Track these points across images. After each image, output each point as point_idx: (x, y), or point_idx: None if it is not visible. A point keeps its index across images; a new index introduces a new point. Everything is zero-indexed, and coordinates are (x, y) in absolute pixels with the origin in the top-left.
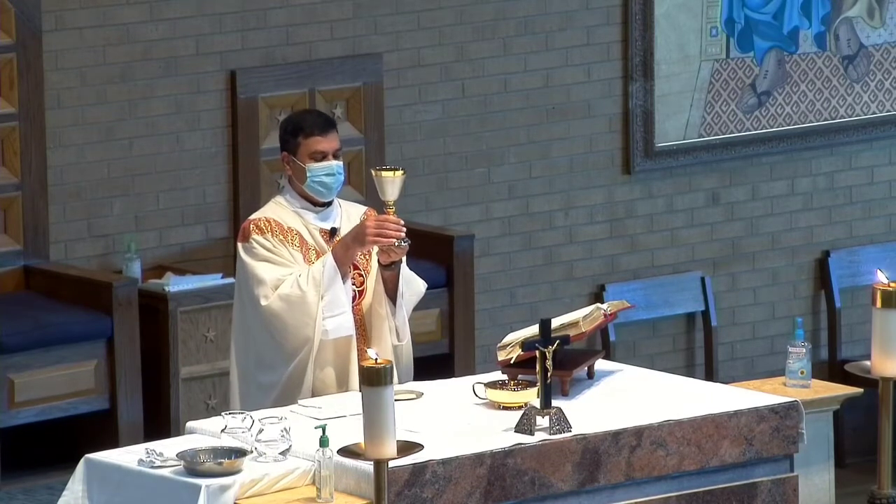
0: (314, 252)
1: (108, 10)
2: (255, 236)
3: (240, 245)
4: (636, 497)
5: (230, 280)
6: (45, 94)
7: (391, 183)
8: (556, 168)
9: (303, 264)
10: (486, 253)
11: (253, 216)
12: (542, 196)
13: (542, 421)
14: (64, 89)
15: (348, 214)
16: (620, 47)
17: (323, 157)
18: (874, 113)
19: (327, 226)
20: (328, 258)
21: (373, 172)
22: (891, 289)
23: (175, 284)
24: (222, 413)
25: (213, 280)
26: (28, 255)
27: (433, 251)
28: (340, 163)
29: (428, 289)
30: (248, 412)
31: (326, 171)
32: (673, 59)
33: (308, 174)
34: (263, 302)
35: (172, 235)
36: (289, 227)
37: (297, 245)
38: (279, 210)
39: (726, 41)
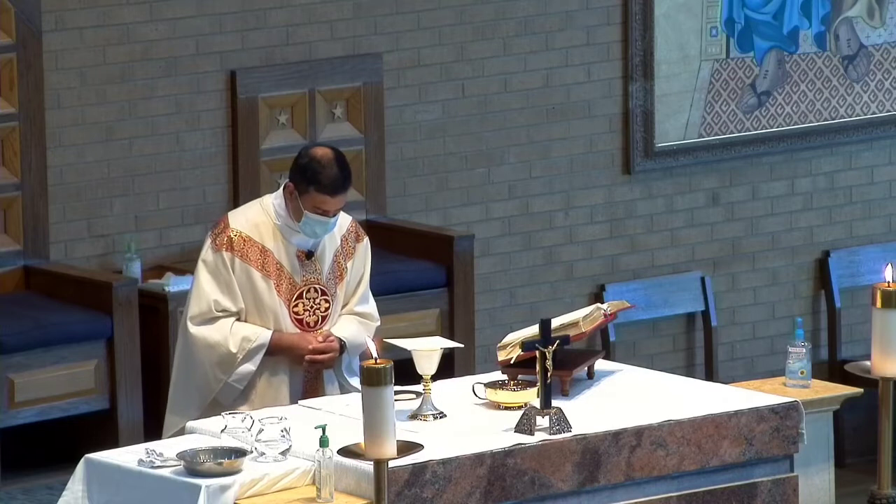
0: (286, 279)
1: (108, 10)
2: (224, 252)
3: (209, 240)
4: (636, 497)
5: None
6: (45, 94)
7: (428, 357)
8: (556, 168)
9: (269, 292)
10: (486, 253)
11: (235, 220)
12: (542, 196)
13: (542, 421)
14: (64, 89)
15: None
16: (620, 47)
17: (324, 213)
18: (874, 113)
19: (305, 247)
20: (266, 336)
21: (413, 351)
22: (891, 289)
23: (175, 284)
24: (222, 413)
25: None
26: (28, 255)
27: (433, 251)
28: (337, 217)
29: (428, 289)
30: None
31: (322, 224)
32: (673, 59)
33: (304, 217)
34: (191, 328)
35: (172, 235)
36: (264, 248)
37: (269, 270)
38: (262, 219)
39: (726, 41)
